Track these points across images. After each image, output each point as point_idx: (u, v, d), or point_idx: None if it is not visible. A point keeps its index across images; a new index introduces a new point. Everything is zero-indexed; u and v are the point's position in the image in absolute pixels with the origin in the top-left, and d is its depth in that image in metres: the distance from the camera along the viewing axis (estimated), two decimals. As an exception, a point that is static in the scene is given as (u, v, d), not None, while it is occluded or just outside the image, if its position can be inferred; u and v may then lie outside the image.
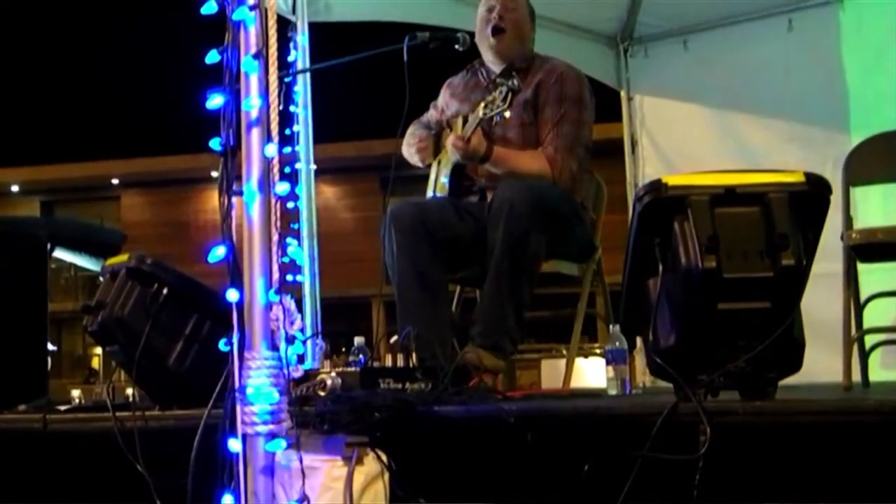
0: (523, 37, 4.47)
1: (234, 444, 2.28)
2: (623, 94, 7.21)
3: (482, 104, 4.06)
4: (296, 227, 5.53)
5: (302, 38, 5.69)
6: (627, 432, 2.58)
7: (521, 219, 3.88)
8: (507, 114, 4.01)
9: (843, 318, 4.22)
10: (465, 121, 4.30)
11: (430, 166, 4.63)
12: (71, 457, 3.35)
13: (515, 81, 3.97)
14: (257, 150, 2.37)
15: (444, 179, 4.46)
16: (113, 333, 3.47)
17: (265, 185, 2.37)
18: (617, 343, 3.84)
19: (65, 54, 29.73)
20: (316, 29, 5.78)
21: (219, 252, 2.34)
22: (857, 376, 4.21)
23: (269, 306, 2.34)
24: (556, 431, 2.73)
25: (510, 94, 3.95)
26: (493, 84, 4.38)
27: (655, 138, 7.07)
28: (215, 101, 2.38)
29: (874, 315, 4.36)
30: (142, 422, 3.09)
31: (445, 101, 4.69)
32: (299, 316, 2.53)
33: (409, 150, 4.64)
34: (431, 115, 4.77)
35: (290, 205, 5.26)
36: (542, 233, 3.95)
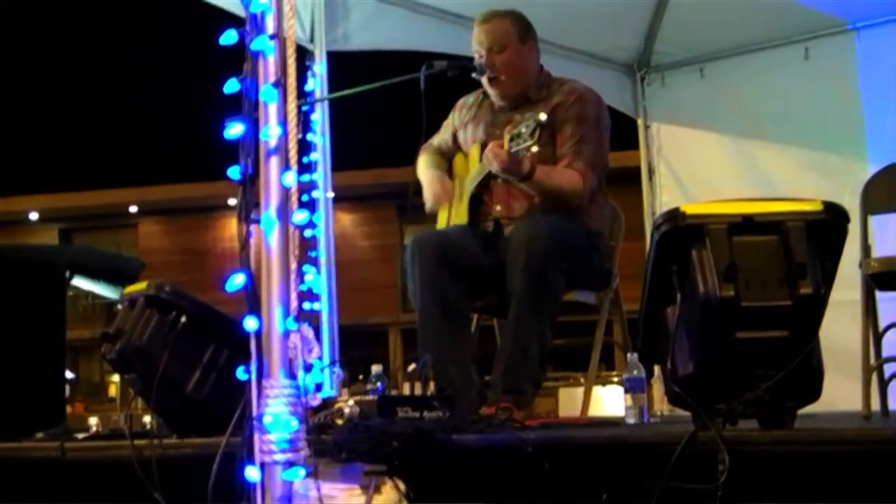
0: (520, 70, 4.36)
1: (252, 473, 2.28)
2: (640, 122, 7.22)
3: (508, 137, 3.98)
4: (313, 255, 5.54)
5: (320, 66, 5.72)
6: (646, 461, 2.57)
7: (540, 260, 3.88)
8: (535, 149, 3.91)
9: (861, 346, 4.21)
10: (483, 147, 4.26)
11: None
12: (88, 485, 3.35)
13: (543, 116, 3.86)
14: (276, 179, 2.37)
15: (454, 211, 4.46)
16: (131, 361, 3.48)
17: (284, 213, 2.37)
18: (635, 371, 3.83)
19: (83, 82, 29.91)
20: (333, 58, 5.81)
21: (237, 280, 2.34)
22: (875, 405, 4.19)
23: (287, 334, 2.34)
24: (575, 460, 2.73)
25: (538, 129, 3.85)
26: (508, 109, 4.38)
27: (672, 166, 7.08)
28: (234, 129, 2.39)
29: (893, 344, 4.34)
30: (160, 450, 3.09)
31: (459, 122, 4.65)
32: (317, 344, 2.54)
33: (426, 187, 4.58)
34: (443, 137, 4.72)
35: (308, 233, 5.28)
36: (560, 271, 3.95)
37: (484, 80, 4.36)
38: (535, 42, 4.44)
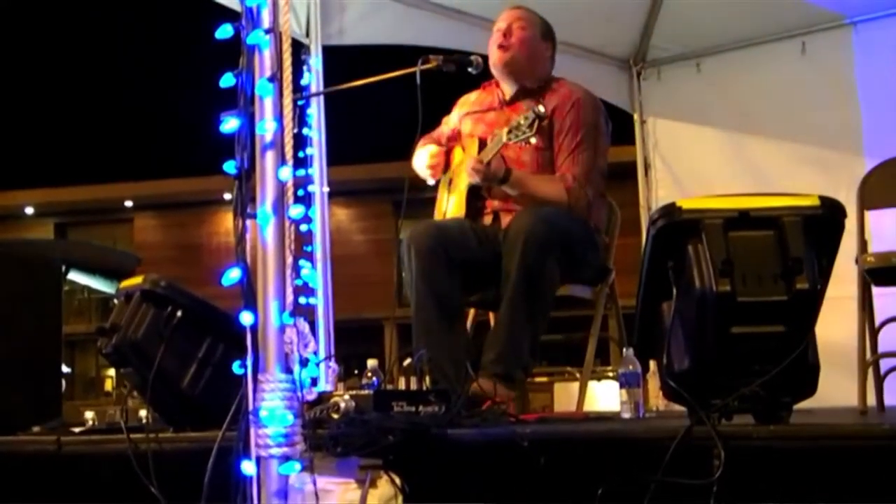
0: (532, 55, 4.43)
1: (248, 467, 2.28)
2: (636, 116, 7.20)
3: (506, 129, 4.03)
4: (309, 249, 5.53)
5: (315, 61, 5.72)
6: (641, 456, 2.57)
7: (537, 248, 3.89)
8: (534, 140, 4.00)
9: (857, 342, 4.21)
10: (481, 142, 4.30)
11: (438, 181, 4.64)
12: (85, 479, 3.35)
13: (541, 108, 3.96)
14: (271, 173, 2.37)
15: (451, 204, 4.47)
16: (127, 356, 3.47)
17: (279, 207, 2.37)
18: (630, 366, 3.82)
19: (79, 78, 29.88)
20: (329, 52, 5.80)
21: (233, 275, 2.34)
22: (872, 400, 4.20)
23: (282, 329, 2.34)
24: (570, 455, 2.73)
25: (537, 121, 3.93)
26: (506, 105, 4.39)
27: (668, 161, 7.07)
28: (230, 124, 2.39)
29: (890, 339, 4.34)
30: (156, 444, 3.09)
31: (459, 118, 4.67)
32: (313, 339, 2.54)
33: (420, 163, 4.62)
34: (442, 131, 4.75)
35: (304, 227, 5.27)
36: (557, 261, 3.95)
37: (494, 47, 4.42)
38: (553, 48, 4.56)
